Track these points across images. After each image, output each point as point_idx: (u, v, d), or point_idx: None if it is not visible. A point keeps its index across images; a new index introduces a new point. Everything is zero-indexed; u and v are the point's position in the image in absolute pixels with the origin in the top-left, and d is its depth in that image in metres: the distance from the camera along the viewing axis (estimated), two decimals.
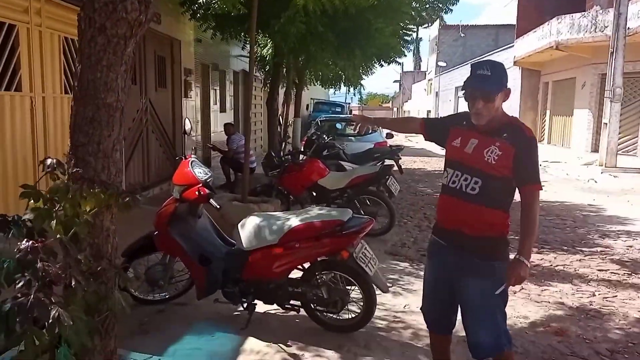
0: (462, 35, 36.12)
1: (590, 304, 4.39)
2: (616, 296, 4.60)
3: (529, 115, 20.20)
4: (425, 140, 2.95)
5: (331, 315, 3.70)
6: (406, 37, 10.97)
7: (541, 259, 5.59)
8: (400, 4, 7.97)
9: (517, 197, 2.50)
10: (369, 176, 6.80)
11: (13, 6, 4.96)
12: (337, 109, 26.89)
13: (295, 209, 6.19)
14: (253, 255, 3.62)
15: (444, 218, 2.62)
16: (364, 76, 14.33)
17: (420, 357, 3.40)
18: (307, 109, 25.43)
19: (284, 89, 13.39)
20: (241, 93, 15.10)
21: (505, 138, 2.40)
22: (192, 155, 4.17)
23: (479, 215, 2.43)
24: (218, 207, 3.80)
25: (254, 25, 6.27)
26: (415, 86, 48.72)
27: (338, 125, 13.95)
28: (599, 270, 5.33)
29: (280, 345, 3.49)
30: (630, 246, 6.32)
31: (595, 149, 15.03)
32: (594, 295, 4.62)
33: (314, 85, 17.85)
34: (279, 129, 11.32)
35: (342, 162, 8.47)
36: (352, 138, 12.23)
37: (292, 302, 3.71)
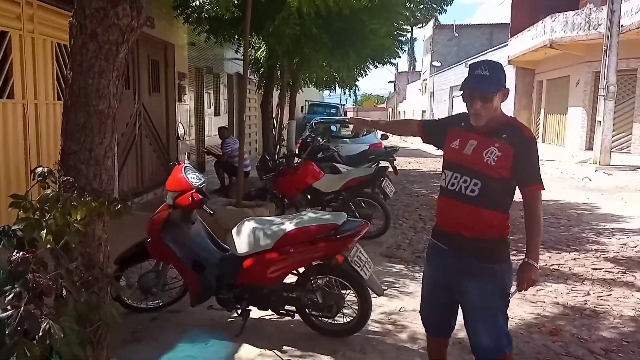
0: (457, 34, 36.22)
1: (585, 303, 4.40)
2: (611, 295, 4.61)
3: (523, 114, 20.27)
4: (424, 142, 2.93)
5: (326, 319, 3.68)
6: (400, 38, 10.99)
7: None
8: (394, 5, 7.97)
9: (517, 197, 2.48)
10: (363, 178, 6.79)
11: (5, 13, 4.94)
12: (331, 111, 26.88)
13: (290, 213, 6.19)
14: (247, 261, 3.60)
15: (443, 220, 2.60)
16: (358, 77, 14.34)
17: None
18: (301, 111, 25.44)
19: (279, 91, 13.39)
20: (235, 96, 15.09)
21: (504, 139, 2.38)
22: (185, 161, 4.15)
23: (479, 217, 2.41)
24: (212, 212, 3.79)
25: (248, 28, 6.27)
26: (410, 86, 48.81)
27: (332, 128, 13.96)
28: (593, 269, 5.35)
29: (275, 351, 3.47)
30: (625, 244, 6.34)
31: (590, 147, 15.09)
32: (588, 294, 4.63)
33: (309, 87, 17.85)
34: (273, 132, 11.31)
35: (337, 165, 8.46)
36: (347, 140, 12.24)
37: (286, 307, 3.70)
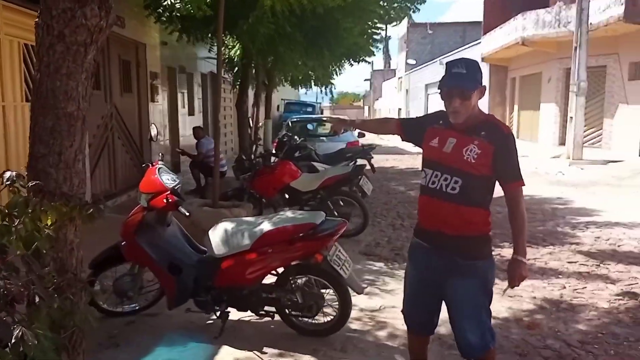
0: (430, 32, 36.52)
1: (561, 297, 4.47)
2: (586, 287, 4.70)
3: (497, 111, 20.57)
4: (403, 140, 2.94)
5: (306, 319, 3.67)
6: (375, 36, 11.02)
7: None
8: (367, 3, 7.99)
9: (495, 193, 2.51)
10: (341, 177, 6.78)
11: None
12: (308, 109, 26.84)
13: (268, 213, 6.14)
14: (225, 262, 3.56)
15: (425, 219, 2.60)
16: (334, 76, 14.35)
17: (397, 357, 3.40)
18: (277, 109, 25.37)
19: (254, 90, 13.30)
20: (210, 96, 14.94)
21: (483, 136, 2.40)
22: (160, 162, 4.08)
23: (460, 214, 2.42)
24: (187, 214, 3.72)
25: (221, 27, 6.19)
26: (385, 84, 49.06)
27: (309, 126, 13.93)
28: (568, 262, 5.44)
29: (256, 352, 3.44)
30: (598, 237, 6.47)
31: (562, 142, 15.38)
32: (564, 287, 4.70)
33: (284, 85, 17.79)
34: (249, 131, 11.23)
35: (314, 163, 8.43)
36: (324, 138, 12.22)
37: (266, 308, 3.67)
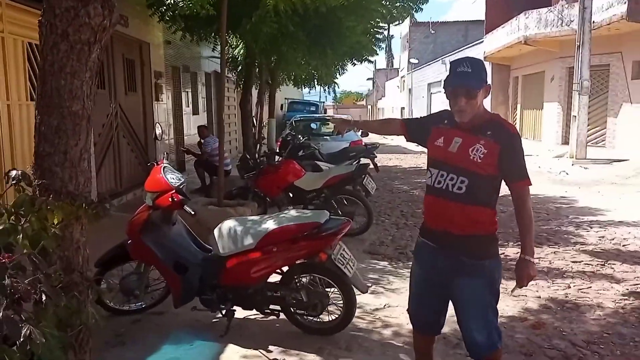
0: (433, 32, 36.47)
1: (566, 296, 4.46)
2: (591, 287, 4.69)
3: (500, 110, 20.52)
4: (407, 141, 2.94)
5: (311, 318, 3.67)
6: (377, 35, 11.02)
7: (516, 253, 5.64)
8: (369, 3, 7.98)
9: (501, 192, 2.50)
10: (345, 176, 6.78)
11: None
12: (311, 108, 26.81)
13: (272, 212, 6.15)
14: (230, 261, 3.56)
15: (431, 219, 2.58)
16: (337, 75, 14.35)
17: (402, 356, 3.40)
18: (281, 109, 25.34)
19: (257, 89, 13.30)
20: (214, 95, 14.96)
21: (489, 136, 2.39)
22: (164, 161, 4.09)
23: (467, 214, 2.41)
24: (193, 213, 3.73)
25: (224, 26, 6.20)
26: (388, 83, 49.01)
27: (313, 125, 13.93)
28: (573, 262, 5.43)
29: (261, 350, 3.44)
30: (603, 237, 6.45)
31: (566, 142, 15.34)
32: (569, 287, 4.69)
33: (287, 85, 17.79)
34: (253, 131, 11.23)
35: (318, 162, 8.45)
36: (328, 137, 12.23)
37: (271, 306, 3.67)
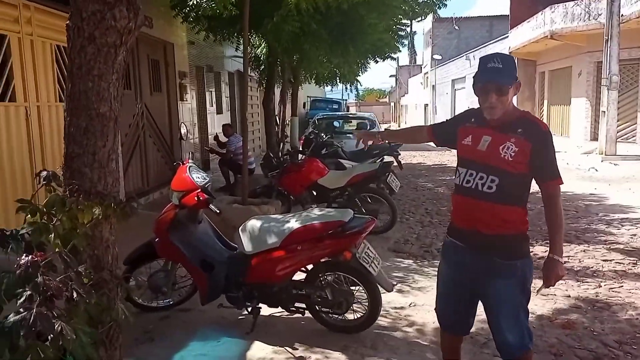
0: (456, 27, 36.06)
1: (597, 296, 4.37)
2: (622, 286, 4.58)
3: (526, 106, 20.16)
4: (437, 146, 2.91)
5: (336, 316, 3.67)
6: (400, 32, 10.94)
7: (545, 251, 5.55)
8: None
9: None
10: (368, 174, 6.76)
11: (3, 16, 4.91)
12: (334, 106, 26.81)
13: (296, 210, 6.16)
14: (255, 259, 3.59)
15: (459, 218, 2.54)
16: (359, 72, 14.29)
17: (428, 355, 3.37)
18: (304, 107, 25.40)
19: (280, 88, 13.34)
20: (237, 94, 15.06)
21: (520, 133, 2.34)
22: (190, 160, 4.13)
23: (498, 213, 2.37)
24: (218, 212, 3.76)
25: (247, 26, 6.23)
26: (411, 80, 48.63)
27: (336, 123, 13.92)
28: (603, 260, 5.31)
29: (287, 348, 3.46)
30: (634, 234, 6.30)
31: (595, 138, 15.02)
32: (599, 286, 4.59)
33: (309, 83, 17.81)
34: (276, 129, 11.27)
35: (342, 160, 8.44)
36: (350, 135, 12.19)
37: (296, 304, 3.69)
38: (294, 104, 14.64)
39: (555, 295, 4.35)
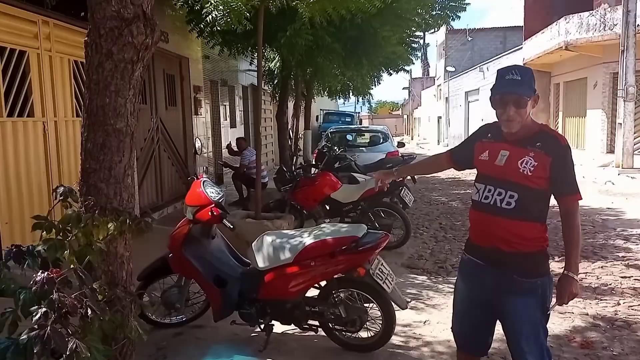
0: (470, 39, 36.01)
1: (616, 314, 4.27)
2: None
3: (541, 118, 20.00)
4: (458, 170, 2.87)
5: (350, 334, 3.63)
6: (413, 45, 10.95)
7: (561, 268, 5.46)
8: (404, 11, 7.94)
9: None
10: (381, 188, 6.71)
11: (23, 32, 5.00)
12: (347, 119, 26.87)
13: (309, 224, 6.14)
14: (268, 275, 3.57)
15: (478, 235, 2.49)
16: (372, 85, 14.31)
17: None
18: (316, 120, 25.45)
19: (293, 101, 13.39)
20: (251, 107, 15.14)
21: (538, 147, 2.30)
22: (204, 175, 4.15)
23: (517, 230, 2.32)
24: (232, 227, 3.76)
25: (261, 41, 6.28)
26: (424, 92, 48.58)
27: (349, 136, 13.92)
28: (622, 277, 5.20)
29: None
30: None
31: (611, 150, 14.83)
32: (618, 304, 4.50)
33: (321, 96, 17.86)
34: (289, 142, 11.29)
35: (355, 174, 8.40)
36: (364, 149, 12.19)
37: (310, 321, 3.65)
38: (307, 117, 14.68)
39: (572, 313, 4.27)
